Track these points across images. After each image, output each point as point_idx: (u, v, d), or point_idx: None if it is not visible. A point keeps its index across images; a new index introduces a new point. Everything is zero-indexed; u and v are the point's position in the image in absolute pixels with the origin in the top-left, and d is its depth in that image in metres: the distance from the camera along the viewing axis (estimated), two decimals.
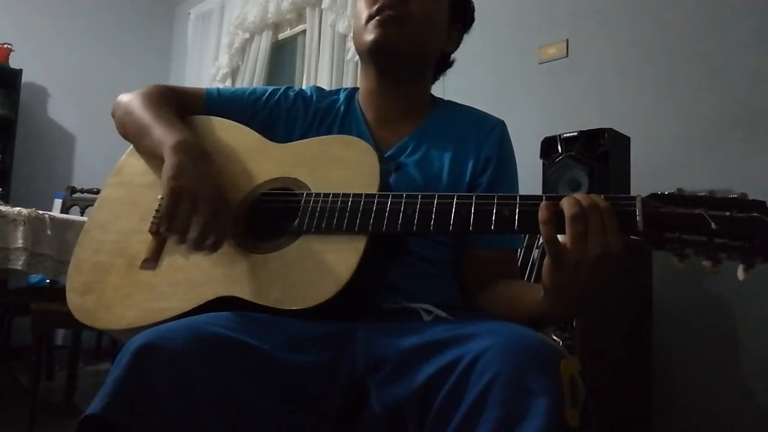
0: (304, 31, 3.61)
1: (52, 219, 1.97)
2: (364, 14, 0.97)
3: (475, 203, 0.74)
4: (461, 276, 0.98)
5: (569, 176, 1.82)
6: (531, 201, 0.72)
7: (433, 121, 1.03)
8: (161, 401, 0.60)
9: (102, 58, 4.24)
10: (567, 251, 0.67)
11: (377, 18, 0.95)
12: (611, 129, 1.81)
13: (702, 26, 1.99)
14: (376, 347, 0.74)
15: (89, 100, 3.99)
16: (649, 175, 1.95)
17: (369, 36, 0.96)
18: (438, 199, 0.76)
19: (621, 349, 1.78)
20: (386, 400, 0.70)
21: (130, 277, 0.87)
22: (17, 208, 1.91)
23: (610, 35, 2.24)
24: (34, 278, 3.02)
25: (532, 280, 1.46)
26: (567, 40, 2.36)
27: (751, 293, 1.75)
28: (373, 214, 0.78)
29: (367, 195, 0.80)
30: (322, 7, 3.32)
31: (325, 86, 3.19)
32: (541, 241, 0.69)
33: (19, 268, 1.82)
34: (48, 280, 2.80)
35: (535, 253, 1.53)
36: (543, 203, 0.69)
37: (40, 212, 1.95)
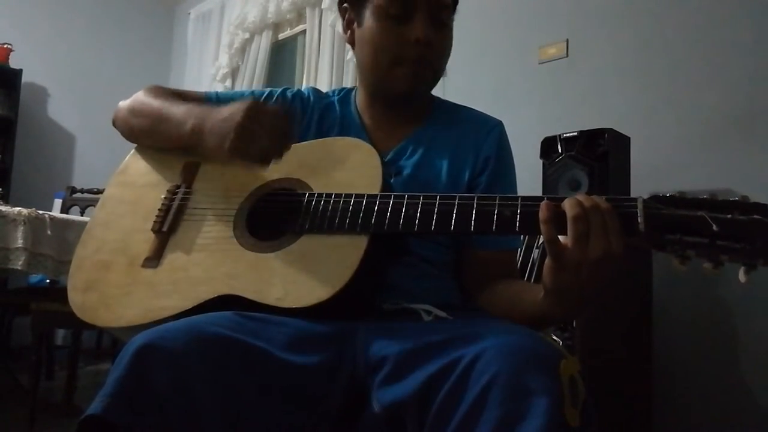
0: (304, 31, 3.61)
1: (52, 219, 1.97)
2: (388, 53, 0.93)
3: (476, 204, 0.74)
4: (461, 276, 0.98)
5: (569, 176, 1.82)
6: (532, 202, 0.72)
7: (431, 124, 1.02)
8: (161, 401, 0.60)
9: (102, 58, 4.24)
10: (568, 252, 0.67)
11: (414, 69, 0.93)
12: (611, 129, 1.81)
13: (702, 26, 1.99)
14: (376, 347, 0.74)
15: (89, 100, 3.99)
16: (649, 175, 1.95)
17: (399, 84, 0.95)
18: (440, 199, 0.76)
19: (621, 349, 1.78)
20: (386, 400, 0.70)
21: (132, 276, 0.87)
22: (17, 208, 1.91)
23: (610, 35, 2.24)
24: (34, 278, 3.02)
25: (532, 280, 1.46)
26: (567, 40, 2.36)
27: (751, 293, 1.75)
28: (374, 214, 0.78)
29: (369, 195, 0.80)
30: (322, 7, 3.33)
31: (325, 86, 3.19)
32: (541, 241, 0.69)
33: (19, 268, 1.82)
34: (48, 280, 2.81)
35: (535, 253, 1.53)
36: (543, 203, 0.69)
37: (40, 212, 1.95)
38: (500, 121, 1.04)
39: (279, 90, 1.07)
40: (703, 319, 1.86)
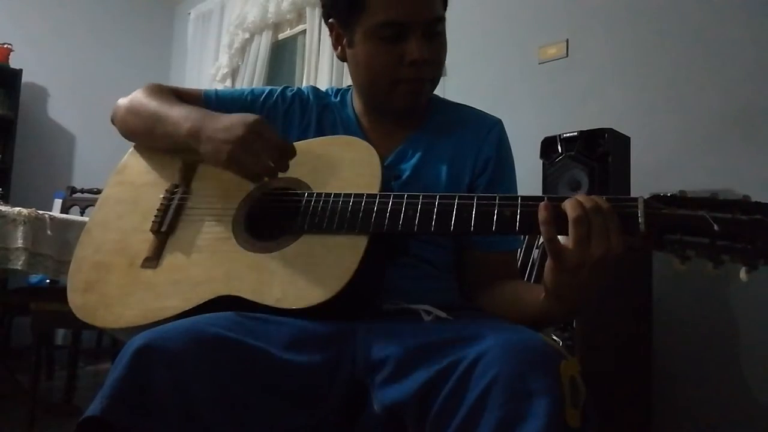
0: (304, 31, 3.61)
1: (52, 219, 1.96)
2: (388, 77, 0.92)
3: (476, 204, 0.74)
4: (461, 277, 0.98)
5: (569, 176, 1.82)
6: (532, 202, 0.72)
7: (430, 125, 1.02)
8: (161, 402, 0.60)
9: (102, 58, 4.24)
10: (569, 253, 0.67)
11: (413, 87, 0.93)
12: (611, 129, 1.81)
13: (702, 26, 1.99)
14: (376, 348, 0.74)
15: (89, 100, 3.99)
16: (649, 175, 1.95)
17: (399, 102, 0.94)
18: (439, 199, 0.76)
19: (621, 349, 1.78)
20: (386, 401, 0.70)
21: (131, 276, 0.87)
22: (17, 208, 1.91)
23: (610, 35, 2.24)
24: (34, 278, 3.02)
25: (532, 280, 1.46)
26: (567, 40, 2.36)
27: (751, 293, 1.75)
28: (374, 215, 0.78)
29: (368, 195, 0.80)
30: None
31: (325, 86, 3.18)
32: (541, 241, 0.69)
33: (19, 268, 1.82)
34: (48, 280, 2.80)
35: (535, 253, 1.53)
36: (542, 203, 0.69)
37: (40, 212, 1.95)
38: (499, 120, 1.03)
39: (279, 89, 1.06)
40: (703, 319, 1.86)
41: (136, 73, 4.23)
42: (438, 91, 1.09)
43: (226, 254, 0.84)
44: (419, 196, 0.78)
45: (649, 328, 1.90)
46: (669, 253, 0.64)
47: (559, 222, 0.68)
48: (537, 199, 0.71)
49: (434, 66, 0.94)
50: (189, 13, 4.40)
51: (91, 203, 3.05)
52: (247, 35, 3.81)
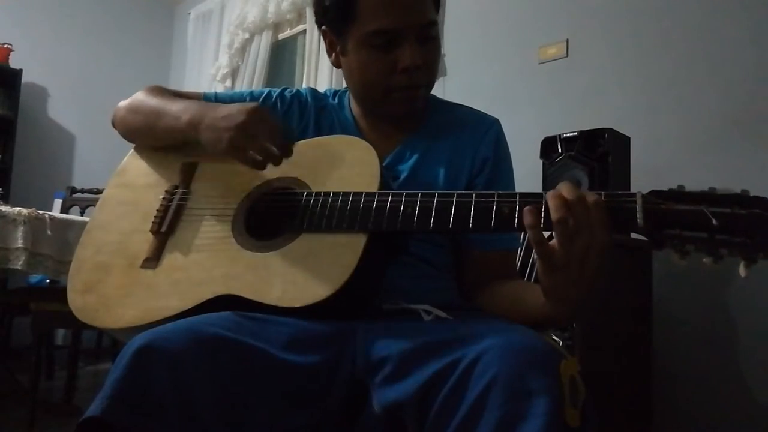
0: (304, 31, 3.61)
1: (52, 219, 1.97)
2: (382, 85, 0.91)
3: (474, 201, 0.74)
4: (460, 277, 0.98)
5: (569, 176, 1.82)
6: (531, 198, 0.71)
7: (427, 126, 1.01)
8: (161, 402, 0.60)
9: (102, 58, 4.24)
10: (556, 251, 0.67)
11: (408, 93, 0.92)
12: (611, 129, 1.81)
13: (702, 26, 1.99)
14: (375, 347, 0.74)
15: (89, 100, 3.99)
16: (649, 175, 1.95)
17: (395, 108, 0.94)
18: (438, 197, 0.76)
19: (621, 349, 1.77)
20: (386, 401, 0.70)
21: (131, 277, 0.87)
22: (17, 208, 1.91)
23: (610, 35, 2.24)
24: (34, 278, 3.02)
25: (532, 279, 1.46)
26: (567, 40, 2.36)
27: (751, 292, 1.75)
28: (373, 213, 0.78)
29: (367, 193, 0.80)
30: None
31: (325, 86, 3.19)
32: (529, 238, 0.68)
33: (19, 268, 1.82)
34: (48, 280, 2.80)
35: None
36: (526, 209, 0.68)
37: (40, 212, 1.95)
38: (497, 120, 1.03)
39: (277, 90, 1.07)
40: (703, 319, 1.86)
41: (136, 73, 4.24)
42: (438, 91, 1.09)
43: (225, 254, 0.84)
44: (418, 193, 0.78)
45: (649, 328, 1.90)
46: (668, 248, 0.64)
47: (546, 221, 0.68)
48: (535, 196, 0.71)
49: (428, 71, 0.93)
50: (189, 13, 4.40)
51: (91, 203, 3.05)
52: (247, 35, 3.81)
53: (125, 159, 1.05)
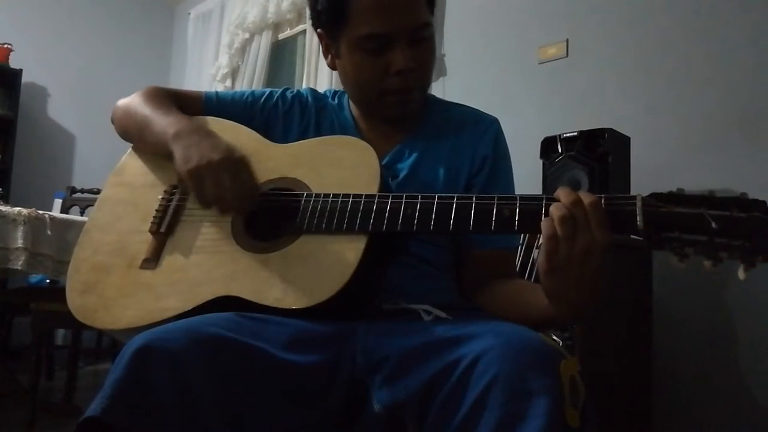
0: (304, 31, 3.61)
1: (52, 219, 1.96)
2: (375, 88, 0.91)
3: (475, 203, 0.74)
4: (460, 277, 0.98)
5: (569, 176, 1.82)
6: (531, 201, 0.72)
7: (427, 126, 1.02)
8: (160, 403, 0.60)
9: (102, 58, 4.24)
10: (557, 252, 0.67)
11: (402, 96, 0.92)
12: (611, 129, 1.81)
13: (702, 26, 1.99)
14: (375, 347, 0.74)
15: (89, 100, 3.99)
16: (649, 175, 1.95)
17: (390, 111, 0.94)
18: (438, 199, 0.76)
19: (621, 349, 1.78)
20: (386, 401, 0.70)
21: (130, 277, 0.87)
22: (17, 208, 1.90)
23: (610, 35, 2.24)
24: (34, 278, 3.02)
25: (533, 279, 1.46)
26: (567, 40, 2.36)
27: (750, 293, 1.75)
28: (373, 214, 0.78)
29: (367, 195, 0.80)
30: None
31: (325, 86, 3.19)
32: (541, 240, 0.68)
33: (19, 268, 1.82)
34: (48, 280, 2.80)
35: (535, 253, 1.53)
36: (545, 224, 0.68)
37: (40, 212, 1.95)
38: (496, 119, 1.03)
39: (279, 91, 1.07)
40: (703, 319, 1.86)
41: (136, 73, 4.24)
42: (438, 91, 1.09)
43: (225, 255, 0.84)
44: (418, 195, 0.78)
45: (649, 328, 1.90)
46: (667, 251, 0.64)
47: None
48: (536, 198, 0.71)
49: (422, 73, 0.92)
50: (189, 13, 4.40)
51: (91, 203, 3.05)
52: (247, 35, 3.81)
53: (123, 158, 1.05)
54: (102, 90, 4.01)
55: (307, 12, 3.52)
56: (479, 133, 1.00)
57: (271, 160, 0.93)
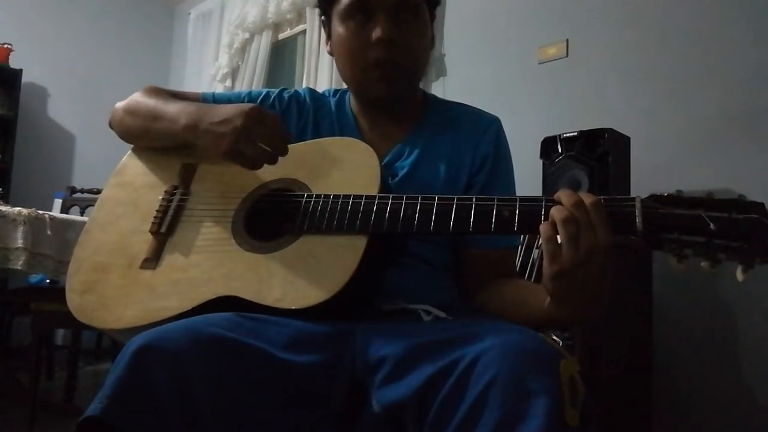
0: (304, 31, 3.61)
1: (52, 219, 1.96)
2: (358, 57, 0.93)
3: (475, 204, 0.74)
4: (460, 276, 0.98)
5: (569, 176, 1.82)
6: (531, 202, 0.72)
7: (427, 124, 1.02)
8: (160, 402, 0.60)
9: (102, 58, 4.25)
10: (562, 254, 0.67)
11: (381, 71, 0.92)
12: (611, 129, 1.81)
13: (702, 26, 1.99)
14: (375, 347, 0.74)
15: (89, 100, 3.99)
16: (649, 175, 1.95)
17: (373, 90, 0.95)
18: (438, 200, 0.76)
19: (621, 349, 1.78)
20: (386, 401, 0.70)
21: (130, 277, 0.87)
22: (17, 208, 1.91)
23: (610, 35, 2.24)
24: (34, 278, 3.01)
25: (533, 279, 1.46)
26: (567, 40, 2.36)
27: (750, 293, 1.75)
28: (373, 215, 0.78)
29: (367, 196, 0.80)
30: None
31: (325, 86, 3.19)
32: (541, 241, 0.68)
33: (19, 268, 1.82)
34: (48, 280, 2.80)
35: (535, 253, 1.53)
36: (544, 226, 0.68)
37: (40, 212, 1.95)
38: (496, 118, 1.03)
39: (276, 91, 1.07)
40: (703, 319, 1.86)
41: (136, 73, 4.24)
42: (438, 91, 1.10)
43: (225, 255, 0.84)
44: (418, 196, 0.78)
45: (649, 328, 1.91)
46: (666, 252, 0.65)
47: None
48: (535, 200, 0.72)
49: (405, 50, 0.92)
50: (189, 13, 4.40)
51: (91, 203, 3.05)
52: (247, 35, 3.82)
53: (124, 158, 1.05)
54: (102, 90, 4.02)
55: (308, 12, 3.54)
56: (480, 132, 1.00)
57: None
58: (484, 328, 0.69)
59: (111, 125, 1.06)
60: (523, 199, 0.73)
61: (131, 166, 1.03)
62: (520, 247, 1.45)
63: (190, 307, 0.79)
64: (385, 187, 0.84)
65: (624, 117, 2.08)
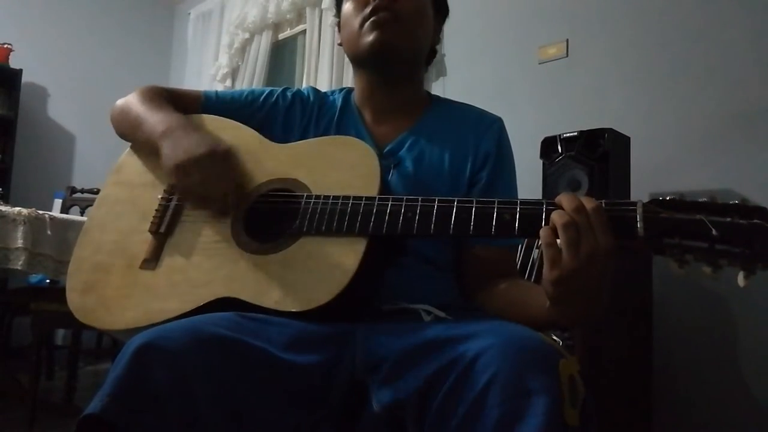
0: (304, 31, 3.61)
1: (52, 219, 1.97)
2: (357, 19, 0.97)
3: (475, 207, 0.74)
4: (460, 275, 0.98)
5: (569, 176, 1.82)
6: (532, 205, 0.72)
7: (430, 118, 1.03)
8: (160, 401, 0.60)
9: (102, 58, 4.24)
10: (563, 259, 0.66)
11: (372, 20, 0.95)
12: (611, 129, 1.81)
13: (702, 26, 1.99)
14: (375, 347, 0.74)
15: (89, 100, 3.99)
16: (649, 175, 1.95)
17: (367, 38, 0.96)
18: (438, 202, 0.76)
19: (621, 349, 1.78)
20: (386, 400, 0.70)
21: (130, 277, 0.87)
22: (17, 208, 1.91)
23: (610, 35, 2.24)
24: (34, 278, 3.01)
25: (533, 279, 1.46)
26: (567, 40, 2.36)
27: (751, 294, 1.75)
28: (373, 217, 0.78)
29: (367, 198, 0.80)
30: (322, 7, 3.32)
31: (325, 86, 3.19)
32: (542, 248, 0.68)
33: (19, 268, 1.82)
34: (48, 280, 2.80)
35: (535, 253, 1.53)
36: (544, 231, 0.68)
37: (40, 212, 1.95)
38: (499, 118, 1.04)
39: (279, 89, 1.07)
40: (703, 319, 1.86)
41: (136, 72, 4.24)
42: (438, 91, 1.10)
43: (225, 256, 0.84)
44: (418, 198, 0.78)
45: (649, 328, 1.90)
46: (668, 257, 0.64)
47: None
48: (536, 203, 0.71)
49: (403, 5, 0.96)
50: (189, 13, 4.40)
51: (91, 203, 3.04)
52: (247, 35, 3.81)
53: (122, 156, 1.05)
54: (102, 90, 4.01)
55: (308, 12, 3.54)
56: (483, 130, 1.00)
57: (271, 160, 0.93)
58: (484, 328, 0.69)
59: (111, 120, 1.07)
60: (523, 203, 0.72)
61: (130, 163, 1.03)
62: (520, 247, 1.45)
63: (189, 309, 0.79)
64: (384, 187, 0.84)
65: (624, 117, 2.07)
